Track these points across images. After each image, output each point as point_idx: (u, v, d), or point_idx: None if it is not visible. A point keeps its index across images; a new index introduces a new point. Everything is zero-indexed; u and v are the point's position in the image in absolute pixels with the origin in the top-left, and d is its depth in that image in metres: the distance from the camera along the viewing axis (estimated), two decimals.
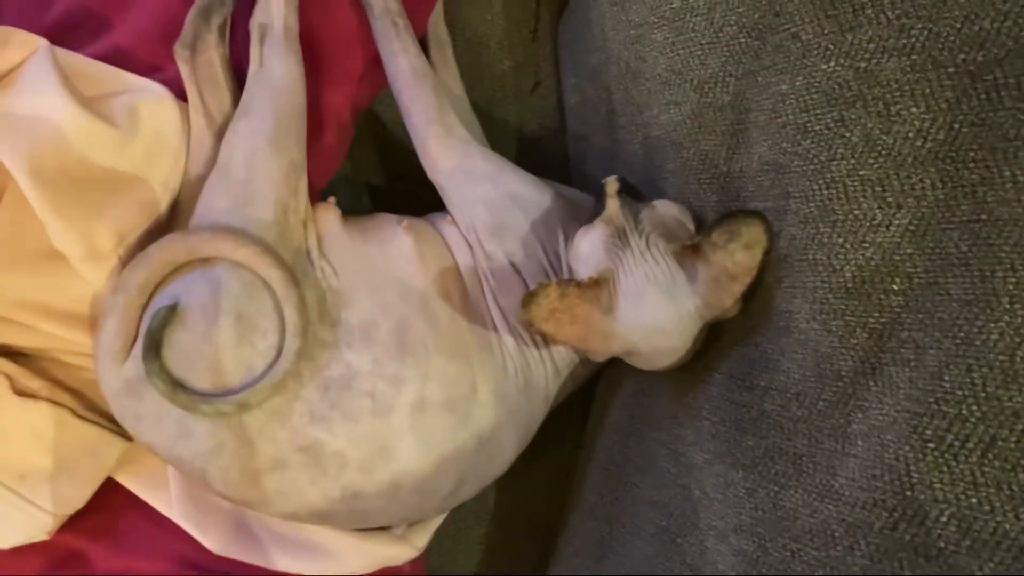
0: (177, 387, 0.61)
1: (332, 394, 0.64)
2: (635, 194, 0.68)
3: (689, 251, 0.62)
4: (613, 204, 0.66)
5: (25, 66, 0.65)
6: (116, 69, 0.69)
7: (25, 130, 0.62)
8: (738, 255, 0.60)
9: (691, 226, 0.67)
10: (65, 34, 0.69)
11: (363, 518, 0.68)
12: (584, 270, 0.65)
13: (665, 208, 0.67)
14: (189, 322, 0.62)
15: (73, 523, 0.70)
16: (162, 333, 0.61)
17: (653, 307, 0.63)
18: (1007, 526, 0.45)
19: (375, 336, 0.66)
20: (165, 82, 0.70)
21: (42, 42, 0.66)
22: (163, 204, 0.68)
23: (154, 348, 0.60)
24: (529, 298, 0.62)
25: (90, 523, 0.71)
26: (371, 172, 0.92)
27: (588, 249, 0.65)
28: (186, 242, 0.63)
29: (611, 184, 0.67)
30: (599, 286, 0.63)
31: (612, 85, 0.78)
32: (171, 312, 0.61)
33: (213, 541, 0.70)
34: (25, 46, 0.65)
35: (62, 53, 0.67)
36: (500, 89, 0.91)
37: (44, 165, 0.62)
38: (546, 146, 0.94)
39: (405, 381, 0.65)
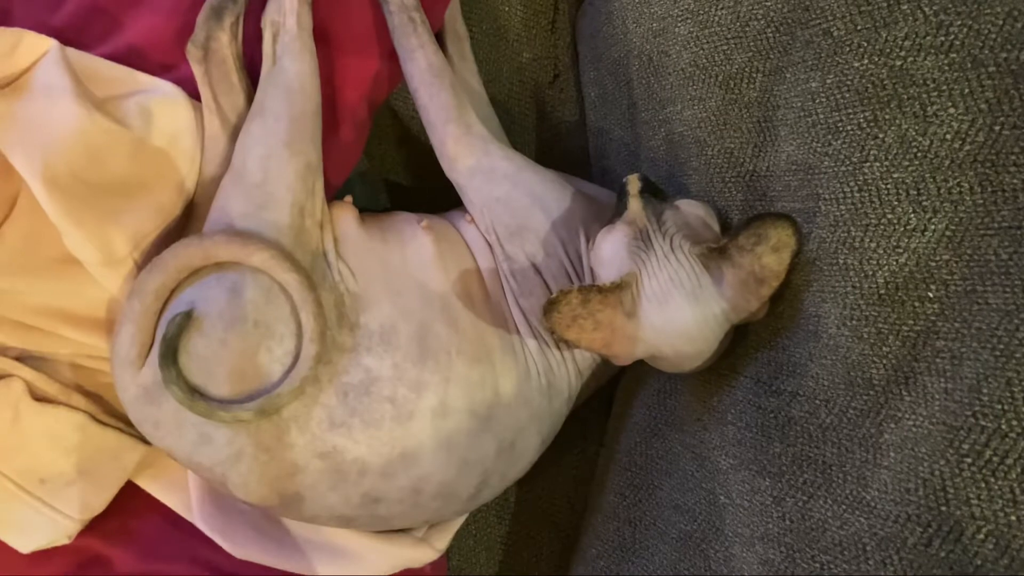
0: (195, 394, 0.60)
1: (352, 400, 0.63)
2: (657, 192, 0.66)
3: (715, 253, 0.61)
4: (635, 204, 0.64)
5: (36, 68, 0.64)
6: (129, 69, 0.68)
7: (38, 135, 0.62)
8: (766, 258, 0.58)
9: (716, 227, 0.65)
10: (76, 34, 0.68)
11: (384, 522, 0.68)
12: (606, 273, 0.64)
13: (690, 208, 0.65)
14: (206, 328, 0.61)
15: (94, 527, 0.70)
16: (178, 340, 0.60)
17: (678, 311, 0.61)
18: None
19: (395, 340, 0.65)
20: (178, 81, 0.69)
21: (53, 43, 0.65)
22: (178, 207, 0.68)
23: (171, 355, 0.60)
24: (550, 305, 0.60)
25: (111, 527, 0.71)
26: (389, 168, 0.91)
27: (610, 252, 0.64)
28: (201, 246, 0.62)
29: (633, 183, 0.65)
30: (622, 290, 0.61)
31: (633, 79, 0.76)
32: (187, 318, 0.61)
33: (233, 544, 0.70)
34: (36, 48, 0.64)
35: (73, 54, 0.66)
36: (519, 82, 0.90)
37: (58, 170, 0.61)
38: (565, 139, 0.92)
39: (426, 386, 0.64)
